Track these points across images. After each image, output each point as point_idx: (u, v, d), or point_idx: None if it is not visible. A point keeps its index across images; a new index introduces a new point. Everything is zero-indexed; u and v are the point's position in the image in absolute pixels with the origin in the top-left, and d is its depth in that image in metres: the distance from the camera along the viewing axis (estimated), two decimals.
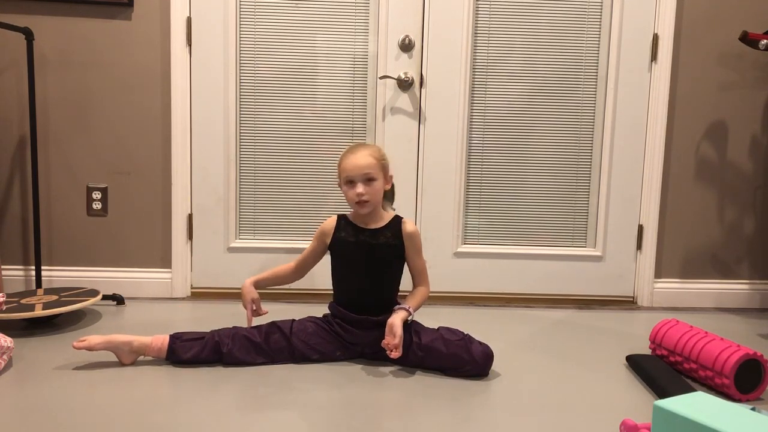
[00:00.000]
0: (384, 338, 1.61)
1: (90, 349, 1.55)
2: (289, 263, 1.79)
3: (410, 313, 1.62)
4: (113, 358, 1.61)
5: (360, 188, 1.62)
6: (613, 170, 2.37)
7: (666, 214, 2.40)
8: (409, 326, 1.66)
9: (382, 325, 1.64)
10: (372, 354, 1.68)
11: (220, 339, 1.62)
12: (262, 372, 1.59)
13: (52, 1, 2.20)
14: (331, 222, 1.73)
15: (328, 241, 1.71)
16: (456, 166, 2.34)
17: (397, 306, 1.63)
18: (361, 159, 1.63)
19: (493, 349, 1.62)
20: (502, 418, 1.36)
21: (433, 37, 2.28)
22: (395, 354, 1.54)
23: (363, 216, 1.70)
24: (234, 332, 1.64)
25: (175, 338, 1.62)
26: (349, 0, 2.27)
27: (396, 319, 1.57)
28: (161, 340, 1.61)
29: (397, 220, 1.71)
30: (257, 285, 1.75)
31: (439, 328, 1.66)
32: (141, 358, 1.63)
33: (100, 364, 1.60)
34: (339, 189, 1.73)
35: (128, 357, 1.60)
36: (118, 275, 2.31)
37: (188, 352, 1.60)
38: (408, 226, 1.71)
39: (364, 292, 1.69)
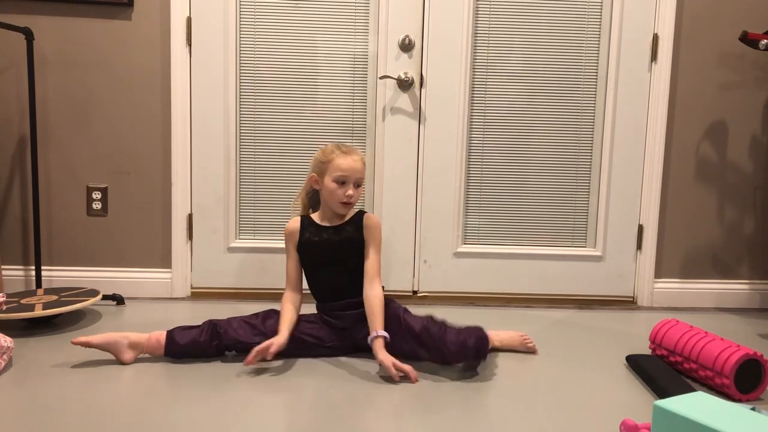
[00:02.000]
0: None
1: (86, 343, 1.56)
2: (288, 296, 1.72)
3: (387, 338, 1.60)
4: (113, 357, 1.61)
5: (351, 190, 1.68)
6: (613, 170, 2.37)
7: (666, 214, 2.40)
8: (399, 318, 1.66)
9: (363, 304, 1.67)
10: (364, 339, 1.64)
11: (217, 322, 1.66)
12: (261, 370, 1.59)
13: (52, 1, 2.20)
14: (294, 223, 1.77)
15: (297, 239, 1.75)
16: (456, 166, 2.34)
17: (370, 337, 1.60)
18: (358, 163, 1.71)
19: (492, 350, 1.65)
20: (502, 418, 1.36)
21: (433, 37, 2.28)
22: (413, 376, 1.53)
23: (327, 215, 1.75)
24: (231, 318, 1.69)
25: (171, 330, 1.65)
26: (349, 0, 2.27)
27: (381, 356, 1.55)
28: (158, 334, 1.63)
29: (360, 215, 1.76)
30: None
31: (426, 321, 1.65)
32: (140, 356, 1.63)
33: (99, 363, 1.60)
34: (306, 182, 1.78)
35: (127, 353, 1.60)
36: (118, 275, 2.31)
37: (185, 338, 1.62)
38: (369, 218, 1.75)
39: (337, 285, 1.73)
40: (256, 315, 1.72)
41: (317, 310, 1.79)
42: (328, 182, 1.70)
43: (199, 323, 1.68)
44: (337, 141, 2.31)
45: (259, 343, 1.59)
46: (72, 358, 1.63)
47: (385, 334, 1.60)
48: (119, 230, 2.32)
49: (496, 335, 1.77)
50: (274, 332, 1.64)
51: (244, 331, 1.65)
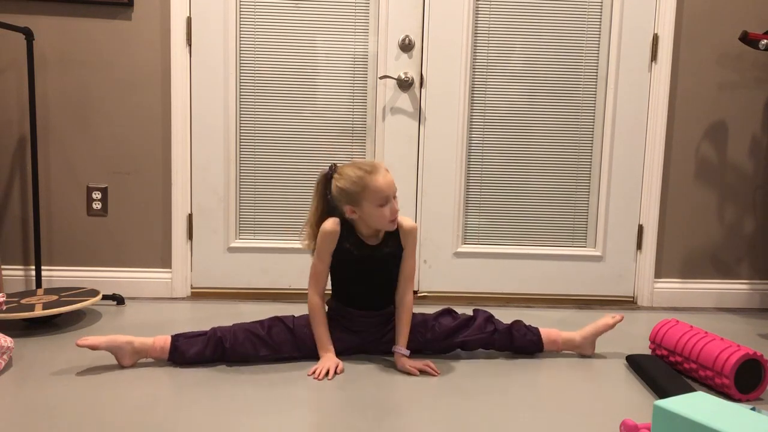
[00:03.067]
0: (387, 328, 1.70)
1: (93, 347, 1.53)
2: (318, 303, 1.65)
3: (407, 356, 1.63)
4: (114, 358, 1.60)
5: (396, 204, 1.59)
6: (613, 170, 2.37)
7: (666, 214, 2.40)
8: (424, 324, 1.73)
9: (385, 314, 1.70)
10: (374, 342, 1.69)
11: (222, 335, 1.61)
12: (264, 370, 1.59)
13: (52, 1, 2.20)
14: (335, 225, 1.62)
15: (334, 246, 1.64)
16: (456, 166, 2.34)
17: (395, 351, 1.62)
18: (389, 176, 1.58)
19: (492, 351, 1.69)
20: (503, 418, 1.36)
21: (433, 37, 2.28)
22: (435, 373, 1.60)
23: (365, 230, 1.64)
24: (236, 328, 1.64)
25: (176, 337, 1.61)
26: (349, 0, 2.27)
27: (406, 367, 1.60)
28: (163, 339, 1.60)
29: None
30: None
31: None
32: (142, 360, 1.61)
33: (100, 364, 1.60)
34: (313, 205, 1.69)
35: (129, 358, 1.58)
36: (118, 275, 2.31)
37: (191, 349, 1.59)
38: (406, 222, 1.66)
39: (366, 294, 1.69)
40: (261, 324, 1.65)
41: (332, 308, 1.72)
42: (371, 208, 1.56)
43: (203, 329, 1.65)
44: (337, 141, 2.32)
45: (265, 357, 1.61)
46: (72, 359, 1.63)
47: (407, 352, 1.62)
48: (119, 230, 2.32)
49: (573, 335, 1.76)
50: (282, 342, 1.63)
51: (251, 344, 1.61)
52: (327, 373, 1.55)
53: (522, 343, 1.72)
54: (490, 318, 1.75)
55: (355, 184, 1.57)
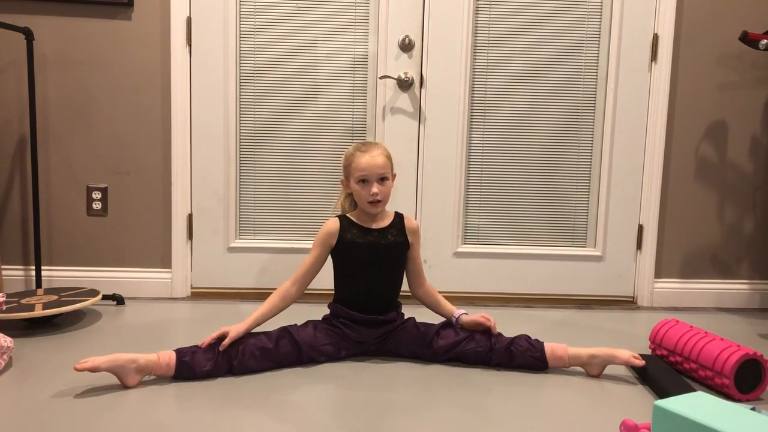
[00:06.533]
0: (386, 340, 1.69)
1: (93, 369, 1.43)
2: (284, 292, 1.67)
3: (466, 313, 1.74)
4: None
5: (375, 188, 1.64)
6: (613, 170, 2.37)
7: (666, 214, 2.40)
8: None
9: (389, 322, 1.69)
10: (376, 350, 1.70)
11: (229, 351, 1.55)
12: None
13: (52, 1, 2.21)
14: (334, 224, 1.70)
15: (334, 242, 1.69)
16: (456, 166, 2.34)
17: (459, 314, 1.73)
18: (377, 158, 1.64)
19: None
20: (503, 418, 1.36)
21: (433, 37, 2.28)
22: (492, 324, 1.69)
23: (368, 216, 1.70)
24: (243, 342, 1.58)
25: (182, 353, 1.52)
26: (349, 0, 2.27)
27: (473, 316, 1.70)
28: (167, 355, 1.51)
29: (400, 218, 1.74)
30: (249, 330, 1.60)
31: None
32: (146, 378, 1.52)
33: None
34: (341, 186, 1.74)
35: (133, 377, 1.48)
36: (118, 275, 2.31)
37: (198, 367, 1.52)
38: (411, 222, 1.75)
39: (372, 292, 1.69)
40: (269, 336, 1.61)
41: (335, 314, 1.70)
42: (353, 185, 1.67)
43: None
44: (337, 141, 2.32)
45: (269, 369, 1.59)
46: (72, 359, 1.62)
47: (464, 311, 1.74)
48: (119, 230, 2.32)
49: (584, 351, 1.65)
50: (286, 354, 1.60)
51: (256, 360, 1.57)
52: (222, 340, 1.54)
53: (523, 361, 1.65)
54: (490, 334, 1.70)
55: (345, 159, 1.70)
